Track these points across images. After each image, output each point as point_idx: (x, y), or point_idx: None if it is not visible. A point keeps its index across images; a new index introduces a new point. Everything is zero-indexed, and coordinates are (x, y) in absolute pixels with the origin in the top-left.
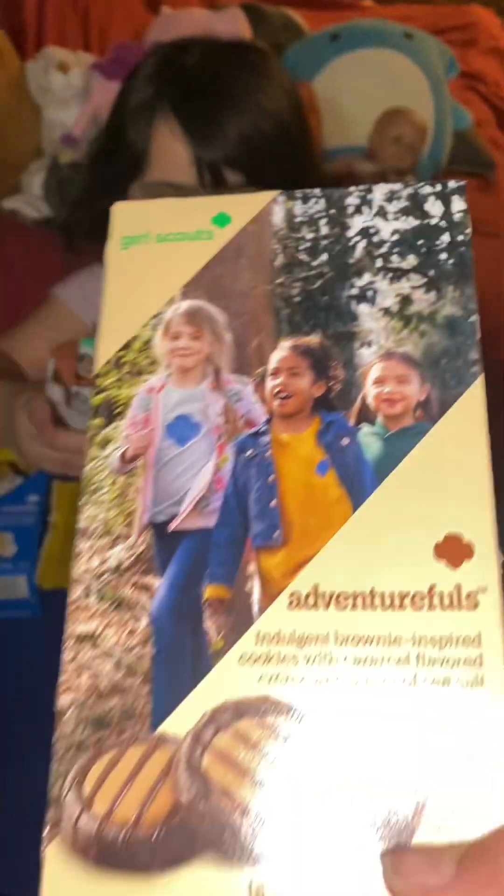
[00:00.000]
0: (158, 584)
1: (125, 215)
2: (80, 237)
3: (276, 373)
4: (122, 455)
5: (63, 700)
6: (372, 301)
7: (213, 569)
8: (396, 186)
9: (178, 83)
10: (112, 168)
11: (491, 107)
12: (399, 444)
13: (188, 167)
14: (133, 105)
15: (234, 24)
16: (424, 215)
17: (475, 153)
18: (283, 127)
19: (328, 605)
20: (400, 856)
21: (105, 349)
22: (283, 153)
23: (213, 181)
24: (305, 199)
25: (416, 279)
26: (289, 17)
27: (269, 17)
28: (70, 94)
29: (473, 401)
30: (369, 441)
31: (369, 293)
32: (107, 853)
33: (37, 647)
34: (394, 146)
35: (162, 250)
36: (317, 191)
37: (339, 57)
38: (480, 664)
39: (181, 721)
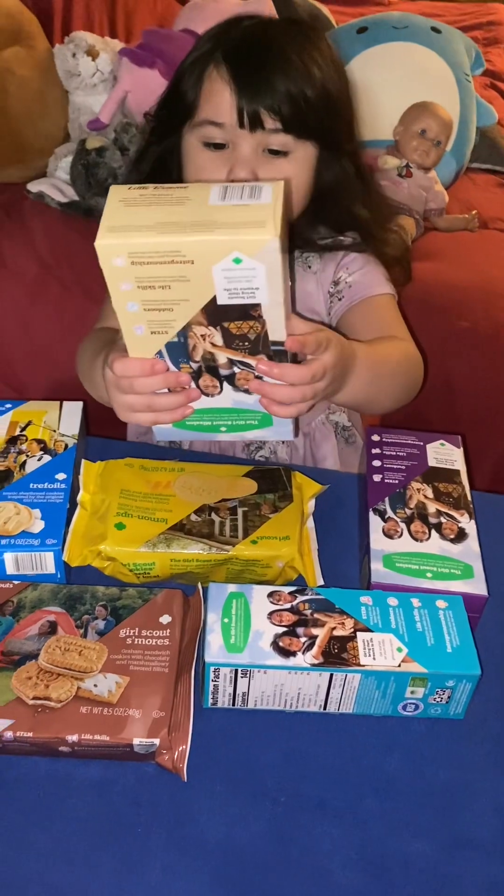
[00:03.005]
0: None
1: None
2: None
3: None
4: None
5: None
6: None
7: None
8: None
9: (234, 39)
10: (168, 114)
11: None
12: None
13: (231, 110)
14: (192, 59)
15: (261, 14)
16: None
17: (497, 151)
18: (328, 96)
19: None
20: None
21: None
22: (324, 117)
23: (251, 125)
24: None
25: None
26: (316, 9)
27: (297, 8)
28: (98, 80)
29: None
30: None
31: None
32: None
33: None
34: (418, 140)
35: None
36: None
37: (366, 50)
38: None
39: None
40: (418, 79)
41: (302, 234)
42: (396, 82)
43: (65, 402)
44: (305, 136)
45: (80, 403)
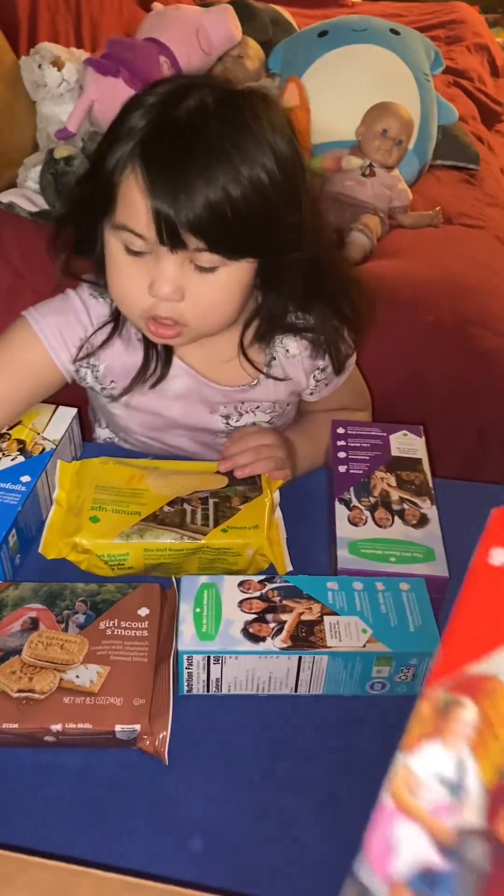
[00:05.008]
0: None
1: None
2: (66, 254)
3: None
4: None
5: None
6: None
7: None
8: None
9: (160, 133)
10: (90, 196)
11: (476, 102)
12: None
13: (148, 223)
14: (122, 131)
15: (223, 21)
16: None
17: (461, 147)
18: (259, 190)
19: None
20: None
21: None
22: (260, 230)
23: (171, 244)
24: None
25: None
26: (278, 13)
27: (259, 13)
28: (64, 89)
29: None
30: None
31: None
32: None
33: None
34: (380, 140)
35: None
36: None
37: (327, 53)
38: None
39: None
40: (379, 80)
41: (266, 318)
42: (357, 84)
43: (60, 407)
44: (236, 255)
45: (74, 410)
